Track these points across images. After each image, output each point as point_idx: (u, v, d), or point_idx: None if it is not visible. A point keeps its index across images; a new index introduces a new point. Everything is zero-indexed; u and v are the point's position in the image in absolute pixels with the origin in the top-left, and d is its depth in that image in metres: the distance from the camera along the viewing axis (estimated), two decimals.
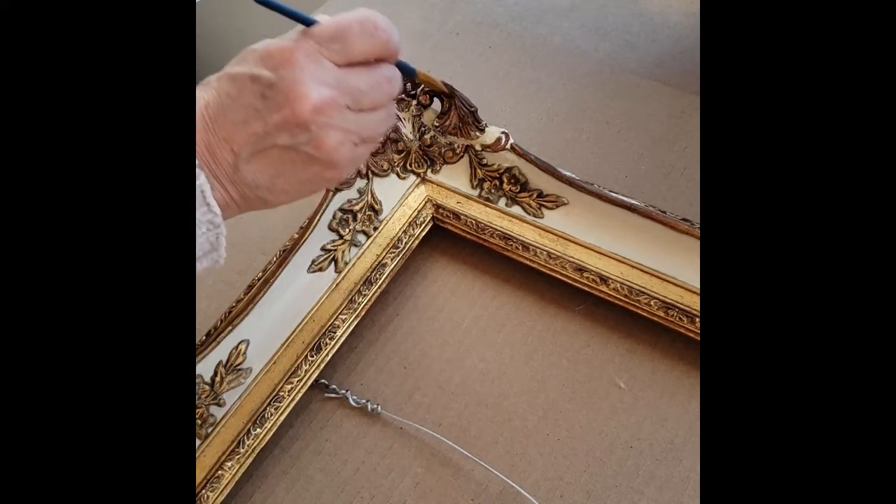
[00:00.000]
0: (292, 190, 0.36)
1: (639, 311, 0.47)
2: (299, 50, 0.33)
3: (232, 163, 0.34)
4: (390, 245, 0.51)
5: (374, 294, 0.49)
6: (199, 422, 0.43)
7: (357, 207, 0.50)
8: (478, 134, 0.50)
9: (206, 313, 0.50)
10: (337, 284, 0.49)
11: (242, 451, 0.43)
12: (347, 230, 0.49)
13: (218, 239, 0.35)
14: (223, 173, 0.34)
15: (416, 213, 0.52)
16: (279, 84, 0.33)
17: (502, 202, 0.51)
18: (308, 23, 0.34)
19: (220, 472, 0.42)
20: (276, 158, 0.34)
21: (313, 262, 0.48)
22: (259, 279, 0.46)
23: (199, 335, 0.45)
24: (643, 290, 0.46)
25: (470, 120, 0.50)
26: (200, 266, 0.35)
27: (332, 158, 0.35)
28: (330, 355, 0.47)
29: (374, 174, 0.51)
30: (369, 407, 0.46)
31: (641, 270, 0.47)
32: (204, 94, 0.34)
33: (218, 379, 0.44)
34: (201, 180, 0.33)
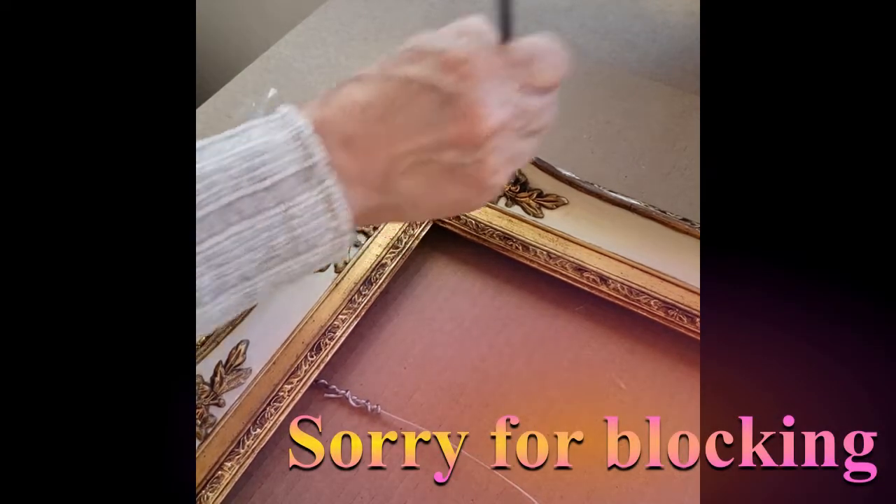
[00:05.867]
0: (435, 210, 0.35)
1: (639, 311, 0.47)
2: (486, 63, 0.31)
3: (384, 171, 0.31)
4: (390, 245, 0.51)
5: (374, 294, 0.49)
6: (198, 422, 0.43)
7: None
8: None
9: None
10: (337, 284, 0.49)
11: (242, 451, 0.43)
12: None
13: (342, 248, 0.32)
14: (370, 181, 0.31)
15: None
16: (462, 98, 0.30)
17: (502, 202, 0.51)
18: (508, 35, 0.33)
19: (220, 472, 0.42)
20: (434, 175, 0.32)
21: None
22: None
23: (199, 335, 0.45)
24: (643, 290, 0.46)
25: None
26: (319, 266, 0.33)
27: (488, 183, 0.33)
28: (330, 355, 0.47)
29: None
30: (369, 407, 0.46)
31: (641, 270, 0.47)
32: (363, 93, 0.31)
33: (218, 379, 0.44)
34: (328, 182, 0.30)
